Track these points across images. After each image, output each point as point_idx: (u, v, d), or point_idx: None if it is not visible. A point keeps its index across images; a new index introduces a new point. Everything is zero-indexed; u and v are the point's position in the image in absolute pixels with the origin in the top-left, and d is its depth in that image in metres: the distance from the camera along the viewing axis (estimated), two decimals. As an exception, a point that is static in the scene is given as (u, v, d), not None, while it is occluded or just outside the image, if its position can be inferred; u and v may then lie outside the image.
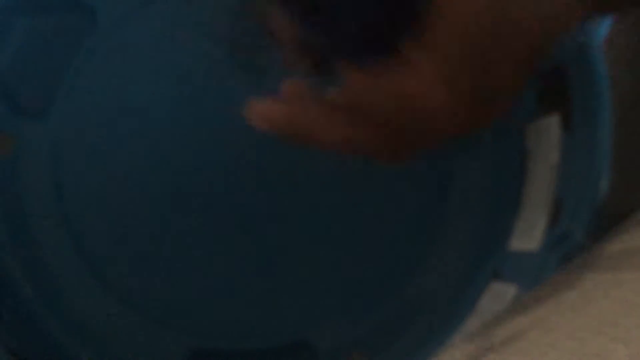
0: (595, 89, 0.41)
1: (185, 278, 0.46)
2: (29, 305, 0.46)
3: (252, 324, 0.46)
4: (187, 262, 0.46)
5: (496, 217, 0.47)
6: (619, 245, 0.36)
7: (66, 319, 0.46)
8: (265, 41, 0.40)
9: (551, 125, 0.44)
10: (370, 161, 0.46)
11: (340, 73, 0.36)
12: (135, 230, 0.46)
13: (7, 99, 0.46)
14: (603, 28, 0.41)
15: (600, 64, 0.41)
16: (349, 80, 0.36)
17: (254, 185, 0.47)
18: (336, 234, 0.47)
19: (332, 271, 0.47)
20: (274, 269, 0.47)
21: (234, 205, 0.47)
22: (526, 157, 0.46)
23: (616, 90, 0.48)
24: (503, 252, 0.45)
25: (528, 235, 0.44)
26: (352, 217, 0.47)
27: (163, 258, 0.46)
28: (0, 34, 0.46)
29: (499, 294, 0.44)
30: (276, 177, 0.47)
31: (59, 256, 0.46)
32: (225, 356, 0.46)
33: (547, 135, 0.44)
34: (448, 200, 0.48)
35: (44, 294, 0.46)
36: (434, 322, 0.46)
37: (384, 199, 0.47)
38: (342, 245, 0.47)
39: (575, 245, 0.40)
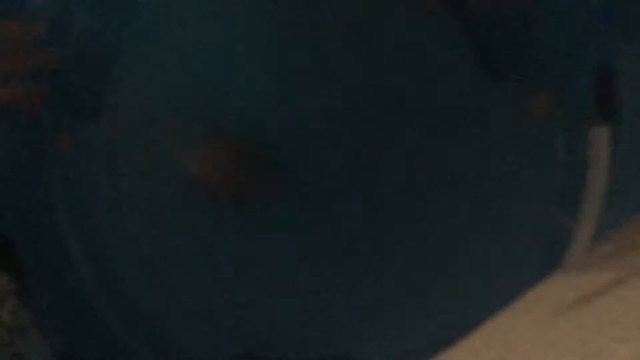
0: None
1: (234, 288, 0.46)
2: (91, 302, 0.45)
3: (297, 334, 0.46)
4: (240, 274, 0.46)
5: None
6: (619, 245, 0.36)
7: (130, 320, 0.46)
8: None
9: (603, 134, 0.42)
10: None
11: None
12: (186, 238, 0.46)
13: (66, 98, 0.46)
14: None
15: None
16: None
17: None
18: (385, 254, 0.47)
19: (380, 286, 0.46)
20: (323, 282, 0.46)
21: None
22: (586, 162, 0.44)
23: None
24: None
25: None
26: (396, 240, 0.47)
27: (218, 270, 0.46)
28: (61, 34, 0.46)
29: None
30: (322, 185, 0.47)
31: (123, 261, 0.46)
32: None
33: (601, 144, 0.42)
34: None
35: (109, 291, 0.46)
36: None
37: (432, 221, 0.46)
38: (394, 262, 0.46)
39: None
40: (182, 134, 0.46)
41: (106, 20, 0.46)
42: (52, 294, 0.45)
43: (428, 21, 0.44)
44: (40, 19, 0.45)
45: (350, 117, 0.45)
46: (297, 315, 0.46)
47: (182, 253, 0.46)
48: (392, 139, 0.45)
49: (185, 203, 0.46)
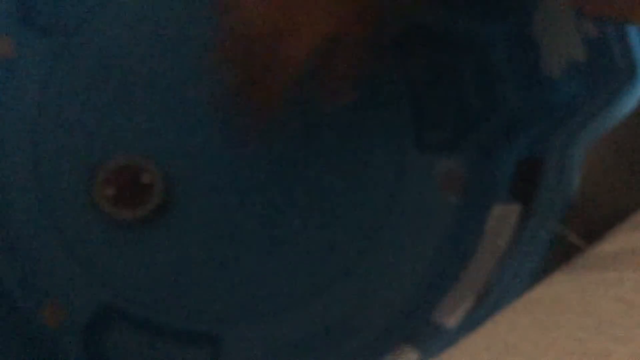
0: (563, 191, 0.41)
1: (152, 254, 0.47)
2: None
3: (168, 298, 0.47)
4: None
5: (434, 286, 0.46)
6: (619, 245, 0.37)
7: (27, 280, 0.46)
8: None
9: (511, 213, 0.44)
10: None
11: None
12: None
13: (24, 9, 0.48)
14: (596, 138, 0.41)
15: (577, 169, 0.41)
16: None
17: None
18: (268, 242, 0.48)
19: (244, 273, 0.47)
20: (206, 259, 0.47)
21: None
22: (480, 237, 0.45)
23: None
24: (425, 320, 0.45)
25: (451, 312, 0.43)
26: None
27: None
28: None
29: (403, 357, 0.44)
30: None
31: (30, 221, 0.47)
32: (135, 322, 0.46)
33: (505, 222, 0.44)
34: (399, 256, 0.48)
35: (10, 255, 0.46)
36: None
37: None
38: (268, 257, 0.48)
39: None
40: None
41: None
42: None
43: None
44: None
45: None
46: (170, 281, 0.47)
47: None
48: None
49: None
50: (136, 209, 0.47)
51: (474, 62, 0.48)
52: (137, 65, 0.48)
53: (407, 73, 0.49)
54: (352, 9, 0.42)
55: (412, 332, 0.45)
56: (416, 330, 0.45)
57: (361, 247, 0.47)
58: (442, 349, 0.38)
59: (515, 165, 0.45)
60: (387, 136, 0.48)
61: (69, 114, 0.48)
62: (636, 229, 0.38)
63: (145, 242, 0.47)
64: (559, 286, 0.34)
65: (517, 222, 0.43)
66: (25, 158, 0.47)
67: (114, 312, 0.46)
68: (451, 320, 0.43)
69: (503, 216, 0.45)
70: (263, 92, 0.45)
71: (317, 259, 0.47)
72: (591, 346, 0.27)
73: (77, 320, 0.46)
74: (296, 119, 0.48)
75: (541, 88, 0.44)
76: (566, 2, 0.42)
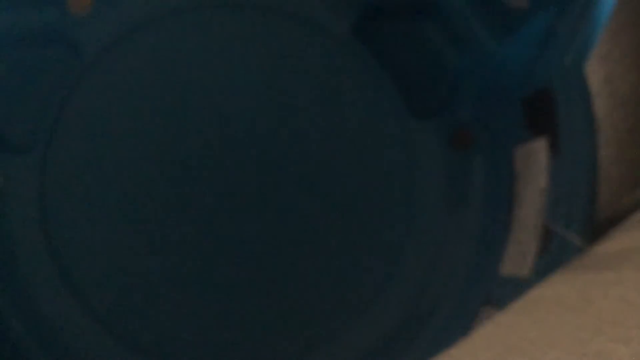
0: (581, 110, 0.41)
1: (167, 311, 0.46)
2: (15, 336, 0.45)
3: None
4: (169, 298, 0.46)
5: (487, 242, 0.46)
6: (619, 245, 0.36)
7: (51, 347, 0.46)
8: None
9: (539, 149, 0.44)
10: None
11: None
12: (120, 263, 0.46)
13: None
14: (590, 48, 0.41)
15: (585, 84, 0.41)
16: None
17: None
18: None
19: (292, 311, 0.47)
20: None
21: (218, 243, 0.47)
22: (515, 181, 0.45)
23: (617, 90, 0.48)
24: (495, 277, 0.45)
25: (519, 261, 0.43)
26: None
27: (149, 292, 0.46)
28: None
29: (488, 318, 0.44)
30: None
31: (47, 288, 0.46)
32: None
33: (535, 159, 0.44)
34: (440, 227, 0.47)
35: (31, 325, 0.46)
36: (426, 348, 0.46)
37: (369, 221, 0.47)
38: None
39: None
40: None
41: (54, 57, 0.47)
42: None
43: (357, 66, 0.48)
44: None
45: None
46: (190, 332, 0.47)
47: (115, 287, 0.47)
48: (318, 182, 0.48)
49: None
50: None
51: (442, 19, 0.48)
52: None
53: (379, 54, 0.48)
54: None
55: (487, 294, 0.44)
56: (491, 290, 0.44)
57: (403, 230, 0.47)
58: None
59: (523, 102, 0.45)
60: (383, 118, 0.48)
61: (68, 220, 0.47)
62: (636, 229, 0.38)
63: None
64: (559, 286, 0.34)
65: (549, 155, 0.43)
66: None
67: None
68: (524, 270, 0.42)
69: (529, 154, 0.44)
70: None
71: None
72: (591, 346, 0.27)
73: None
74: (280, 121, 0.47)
75: (517, 22, 0.44)
76: None
